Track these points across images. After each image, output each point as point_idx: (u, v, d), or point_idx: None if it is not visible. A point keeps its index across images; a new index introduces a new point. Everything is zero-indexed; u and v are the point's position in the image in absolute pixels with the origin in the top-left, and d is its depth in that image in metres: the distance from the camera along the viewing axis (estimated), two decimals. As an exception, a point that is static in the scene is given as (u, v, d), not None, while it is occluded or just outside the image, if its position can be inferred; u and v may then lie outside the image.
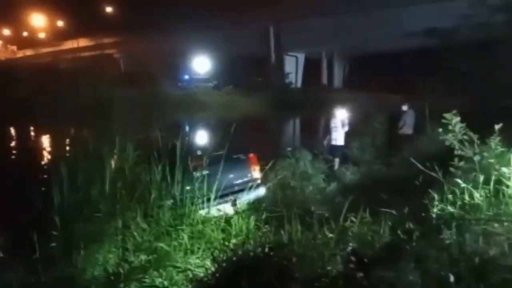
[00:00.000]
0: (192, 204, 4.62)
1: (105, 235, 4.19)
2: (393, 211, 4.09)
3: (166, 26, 36.98)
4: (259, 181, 5.75)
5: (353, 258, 2.12)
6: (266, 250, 2.75)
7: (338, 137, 8.44)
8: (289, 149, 7.96)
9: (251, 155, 5.79)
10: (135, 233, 4.19)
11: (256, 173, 5.72)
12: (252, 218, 4.67)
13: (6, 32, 56.60)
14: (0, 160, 10.02)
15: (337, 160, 8.27)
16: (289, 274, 2.33)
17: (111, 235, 4.20)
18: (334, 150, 8.38)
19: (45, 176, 8.08)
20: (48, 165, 8.80)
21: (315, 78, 36.79)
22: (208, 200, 4.76)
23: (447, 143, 5.37)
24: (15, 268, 3.97)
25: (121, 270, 3.64)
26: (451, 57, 12.29)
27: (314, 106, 25.27)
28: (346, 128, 8.57)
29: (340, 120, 8.51)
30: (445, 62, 12.66)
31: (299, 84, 36.93)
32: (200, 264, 3.75)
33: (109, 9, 47.34)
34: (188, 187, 4.86)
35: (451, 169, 5.25)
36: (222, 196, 5.08)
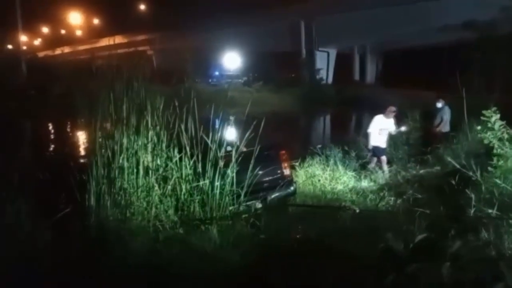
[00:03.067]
0: (222, 199, 4.67)
1: (138, 227, 4.30)
2: (428, 211, 3.99)
3: (197, 23, 37.41)
4: (289, 178, 5.73)
5: (387, 254, 2.10)
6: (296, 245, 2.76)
7: (381, 139, 7.89)
8: (319, 146, 7.87)
9: (282, 151, 5.76)
10: (166, 226, 4.29)
11: (286, 169, 5.70)
12: (282, 214, 4.68)
13: (45, 30, 58.99)
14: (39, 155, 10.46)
15: (383, 159, 7.79)
16: (321, 269, 2.32)
17: (144, 227, 4.30)
18: (378, 151, 7.86)
19: (81, 169, 8.39)
20: (84, 159, 9.14)
21: (347, 73, 36.21)
22: (238, 196, 4.79)
23: (486, 141, 5.19)
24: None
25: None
26: (490, 51, 11.82)
27: (346, 103, 24.94)
28: (394, 129, 8.00)
29: (384, 122, 7.88)
30: (483, 57, 12.20)
31: (330, 80, 36.46)
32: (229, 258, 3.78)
33: (142, 7, 48.43)
34: (218, 183, 4.91)
35: (490, 168, 5.07)
36: (252, 193, 5.10)
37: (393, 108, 7.93)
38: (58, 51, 52.68)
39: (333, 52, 37.04)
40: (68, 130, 15.10)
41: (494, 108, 5.24)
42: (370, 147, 7.92)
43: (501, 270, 1.86)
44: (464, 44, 16.10)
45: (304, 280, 2.53)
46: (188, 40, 38.24)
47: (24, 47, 35.43)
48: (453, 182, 5.82)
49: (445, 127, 9.68)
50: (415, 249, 2.10)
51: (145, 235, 4.13)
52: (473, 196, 4.45)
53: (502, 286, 1.83)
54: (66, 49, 54.84)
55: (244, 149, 5.51)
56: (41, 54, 49.28)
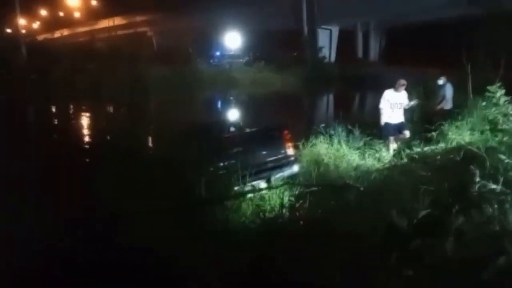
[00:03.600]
0: (227, 180, 4.70)
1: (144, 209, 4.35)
2: (432, 188, 4.00)
3: (197, 2, 36.82)
4: (293, 158, 5.74)
5: (391, 231, 2.13)
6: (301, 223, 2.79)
7: (393, 115, 7.74)
8: (323, 125, 7.83)
9: (285, 131, 5.76)
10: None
11: (290, 149, 5.71)
12: (286, 193, 4.71)
13: (44, 13, 58.28)
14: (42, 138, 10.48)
15: (391, 139, 7.67)
16: (326, 247, 2.35)
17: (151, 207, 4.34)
18: (387, 129, 7.71)
19: (83, 151, 8.46)
20: (88, 141, 9.19)
21: (350, 51, 35.77)
22: (243, 176, 4.82)
23: (490, 117, 5.16)
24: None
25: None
26: (495, 27, 11.61)
27: (349, 81, 24.74)
28: (406, 103, 7.83)
29: (395, 96, 7.70)
30: (488, 33, 11.99)
31: (333, 58, 36.04)
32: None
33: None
34: (222, 163, 4.94)
35: (494, 144, 5.05)
36: (257, 173, 5.13)
37: (402, 81, 7.75)
38: (57, 34, 52.23)
39: (335, 30, 36.49)
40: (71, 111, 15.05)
41: (499, 84, 5.19)
42: (382, 123, 7.76)
43: (504, 245, 1.88)
44: (469, 20, 15.81)
45: (309, 259, 2.56)
46: (188, 21, 37.76)
47: (23, 31, 35.14)
48: (458, 158, 5.82)
49: (447, 105, 9.56)
50: (418, 225, 2.12)
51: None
52: (477, 172, 4.45)
53: (504, 260, 1.85)
54: (65, 32, 54.35)
55: (248, 130, 5.52)
56: (40, 37, 48.88)
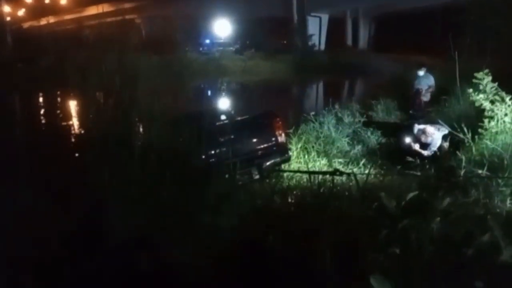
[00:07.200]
0: (218, 167, 4.74)
1: (136, 197, 4.36)
2: (419, 173, 4.10)
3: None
4: (284, 145, 5.79)
5: (380, 212, 2.21)
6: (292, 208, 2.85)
7: None
8: (313, 113, 7.90)
9: (276, 119, 5.79)
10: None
11: (281, 137, 5.75)
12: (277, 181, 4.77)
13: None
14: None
15: None
16: (315, 231, 2.42)
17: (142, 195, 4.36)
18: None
19: (73, 140, 8.41)
20: (77, 131, 9.13)
21: (340, 39, 35.75)
22: (234, 164, 4.86)
23: (477, 103, 5.25)
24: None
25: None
26: (482, 14, 11.70)
27: (339, 69, 24.80)
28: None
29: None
30: (476, 20, 12.07)
31: (322, 46, 36.02)
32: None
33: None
34: (213, 151, 4.97)
35: (480, 130, 5.17)
36: (248, 161, 5.18)
37: None
38: (43, 22, 51.18)
39: (325, 17, 36.37)
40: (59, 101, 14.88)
41: (486, 71, 5.28)
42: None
43: (488, 224, 1.96)
44: (457, 7, 15.89)
45: (300, 241, 2.62)
46: (177, 8, 37.25)
47: (8, 18, 34.34)
48: (445, 145, 5.94)
49: (426, 96, 9.42)
50: (406, 207, 2.20)
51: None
52: (463, 157, 4.56)
53: (489, 236, 1.94)
54: (52, 19, 53.27)
55: (239, 118, 5.55)
56: (26, 25, 47.86)
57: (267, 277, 2.47)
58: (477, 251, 1.92)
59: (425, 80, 9.37)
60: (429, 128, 6.09)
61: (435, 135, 6.00)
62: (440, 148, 5.87)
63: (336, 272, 2.08)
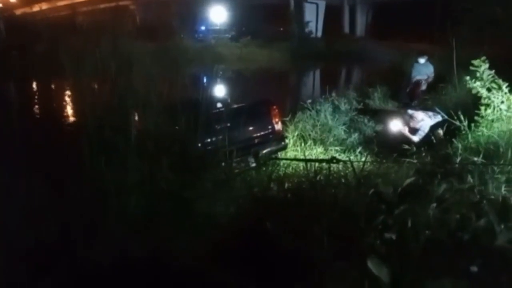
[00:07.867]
0: (214, 155, 4.73)
1: (132, 185, 4.36)
2: (415, 161, 4.12)
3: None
4: (280, 133, 5.79)
5: (376, 198, 2.22)
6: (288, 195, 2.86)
7: None
8: (309, 101, 7.88)
9: (273, 107, 5.78)
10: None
11: (277, 125, 5.75)
12: (273, 169, 4.78)
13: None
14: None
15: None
16: (312, 217, 2.43)
17: (138, 183, 4.36)
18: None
19: (69, 127, 8.36)
20: (73, 118, 9.07)
21: (337, 26, 35.50)
22: (231, 151, 4.85)
23: (474, 91, 5.25)
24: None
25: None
26: (480, 2, 11.66)
27: (336, 57, 24.70)
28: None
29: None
30: (474, 8, 12.02)
31: (319, 33, 35.76)
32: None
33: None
34: (210, 139, 4.95)
35: (476, 118, 5.17)
36: (244, 148, 5.17)
37: None
38: (36, 8, 50.40)
39: (322, 4, 36.05)
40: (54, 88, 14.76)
41: (483, 58, 5.26)
42: None
43: (484, 209, 1.98)
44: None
45: (297, 228, 2.63)
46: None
47: (0, 5, 33.83)
48: (441, 132, 5.95)
49: (423, 85, 9.36)
50: (403, 193, 2.22)
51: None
52: (459, 145, 4.58)
53: (484, 222, 1.96)
54: (45, 6, 52.47)
55: (235, 106, 5.52)
56: (18, 11, 47.11)
57: (264, 264, 2.48)
58: (473, 236, 1.94)
59: (424, 69, 9.30)
60: (417, 114, 6.19)
61: (424, 121, 6.09)
62: (435, 134, 5.92)
63: (333, 258, 2.09)
